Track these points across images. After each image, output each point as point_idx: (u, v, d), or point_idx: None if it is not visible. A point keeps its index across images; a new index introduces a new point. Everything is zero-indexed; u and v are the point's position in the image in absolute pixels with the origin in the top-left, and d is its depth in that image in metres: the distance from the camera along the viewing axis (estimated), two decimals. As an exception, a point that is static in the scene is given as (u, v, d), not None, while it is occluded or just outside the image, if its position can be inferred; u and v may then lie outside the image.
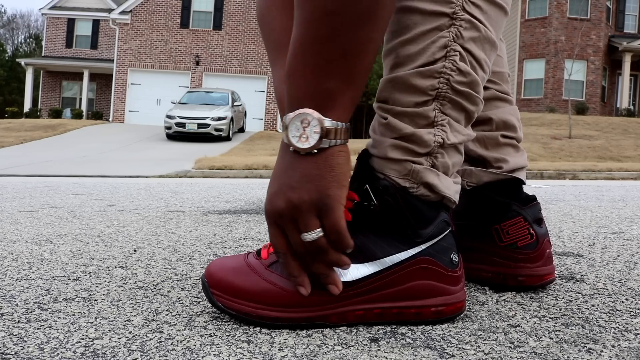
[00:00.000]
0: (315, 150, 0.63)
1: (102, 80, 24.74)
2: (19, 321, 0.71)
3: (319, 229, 0.64)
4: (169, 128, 14.40)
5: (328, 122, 0.62)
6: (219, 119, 14.41)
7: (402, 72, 0.71)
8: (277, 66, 0.84)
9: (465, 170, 0.92)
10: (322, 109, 0.63)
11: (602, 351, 0.63)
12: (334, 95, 0.62)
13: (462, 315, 0.75)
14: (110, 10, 22.48)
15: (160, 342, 0.64)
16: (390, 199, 0.69)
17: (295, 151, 0.64)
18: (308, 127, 0.62)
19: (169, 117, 14.43)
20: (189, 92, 16.76)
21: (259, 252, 0.75)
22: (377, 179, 0.71)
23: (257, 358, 0.59)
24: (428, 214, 0.71)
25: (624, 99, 21.36)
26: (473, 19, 0.69)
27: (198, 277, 0.97)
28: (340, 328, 0.69)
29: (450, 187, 0.73)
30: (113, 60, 21.57)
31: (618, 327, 0.72)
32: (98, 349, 0.61)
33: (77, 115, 22.21)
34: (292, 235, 0.66)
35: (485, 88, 0.93)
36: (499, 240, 0.89)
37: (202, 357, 0.59)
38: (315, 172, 0.63)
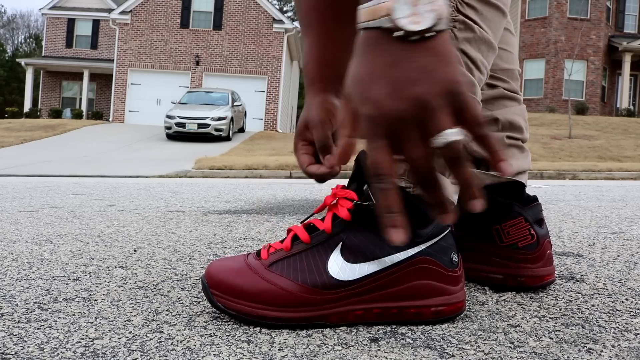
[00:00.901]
0: (432, 33, 0.49)
1: (102, 80, 24.74)
2: (19, 321, 0.71)
3: (459, 128, 0.50)
4: (169, 128, 14.40)
5: None
6: (219, 119, 14.42)
7: None
8: (307, 39, 0.79)
9: (467, 171, 0.92)
10: None
11: (602, 351, 0.63)
12: None
13: (462, 315, 0.75)
14: (110, 10, 22.48)
15: (160, 342, 0.64)
16: None
17: (402, 38, 0.49)
18: (419, 4, 0.48)
19: (169, 117, 14.44)
20: (189, 92, 16.76)
21: (258, 252, 0.75)
22: None
23: (257, 358, 0.59)
24: (427, 213, 0.71)
25: (624, 99, 21.36)
26: (467, 20, 0.70)
27: (198, 277, 0.97)
28: (340, 328, 0.69)
29: (448, 187, 0.73)
30: (113, 60, 21.56)
31: (618, 327, 0.72)
32: (98, 349, 0.61)
33: (77, 115, 22.22)
34: (414, 147, 0.50)
35: (494, 86, 0.92)
36: (500, 240, 0.89)
37: (202, 357, 0.59)
38: (437, 58, 0.49)
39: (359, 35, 0.51)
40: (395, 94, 0.49)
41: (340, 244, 0.71)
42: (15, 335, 0.66)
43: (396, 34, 0.48)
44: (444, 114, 0.49)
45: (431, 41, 0.49)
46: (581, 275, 1.03)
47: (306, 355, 0.60)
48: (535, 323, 0.73)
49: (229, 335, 0.66)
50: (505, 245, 0.88)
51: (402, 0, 0.48)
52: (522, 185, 0.91)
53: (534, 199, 0.91)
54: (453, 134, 0.49)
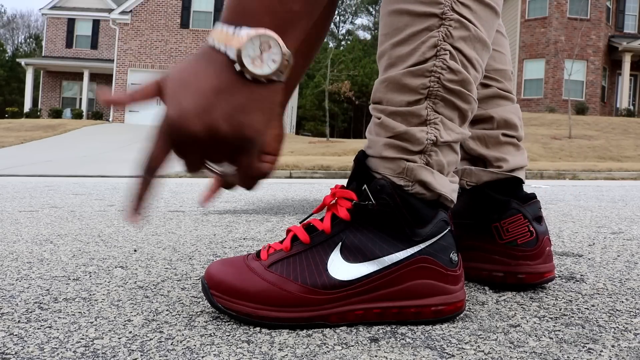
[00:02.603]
0: (263, 81, 0.53)
1: (102, 80, 24.74)
2: (19, 321, 0.71)
3: (226, 165, 0.57)
4: (169, 128, 14.38)
5: (287, 53, 0.53)
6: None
7: (394, 72, 0.71)
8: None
9: (465, 169, 0.92)
10: (280, 32, 0.53)
11: (602, 351, 0.63)
12: (295, 20, 0.54)
13: (462, 315, 0.75)
14: (110, 11, 22.49)
15: (160, 342, 0.64)
16: (387, 198, 0.70)
17: (239, 72, 0.53)
18: (266, 52, 0.52)
19: (169, 117, 14.42)
20: (189, 92, 16.74)
21: (258, 253, 0.75)
22: (374, 179, 0.71)
23: (257, 358, 0.59)
24: (425, 212, 0.72)
25: (623, 99, 21.36)
26: (462, 18, 0.70)
27: (198, 277, 0.97)
28: (340, 328, 0.69)
29: (446, 186, 0.73)
30: (113, 60, 21.57)
31: (618, 327, 0.72)
32: (98, 349, 0.61)
33: (77, 115, 22.22)
34: (191, 159, 0.56)
35: (487, 86, 0.93)
36: (499, 238, 0.89)
37: (202, 357, 0.59)
38: (253, 104, 0.54)
39: (204, 43, 0.55)
40: (200, 114, 0.53)
41: (340, 244, 0.71)
42: (15, 335, 0.66)
43: (236, 66, 0.53)
44: (232, 152, 0.55)
45: (260, 86, 0.54)
46: (581, 275, 1.03)
47: (306, 355, 0.60)
48: (535, 323, 0.73)
49: (229, 335, 0.66)
50: (504, 243, 0.89)
51: (253, 42, 0.52)
52: (520, 181, 0.91)
53: (533, 196, 0.91)
54: (225, 168, 0.57)
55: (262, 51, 0.52)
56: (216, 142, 0.54)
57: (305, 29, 0.56)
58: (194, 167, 0.57)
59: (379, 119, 0.73)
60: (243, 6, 0.53)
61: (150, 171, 0.56)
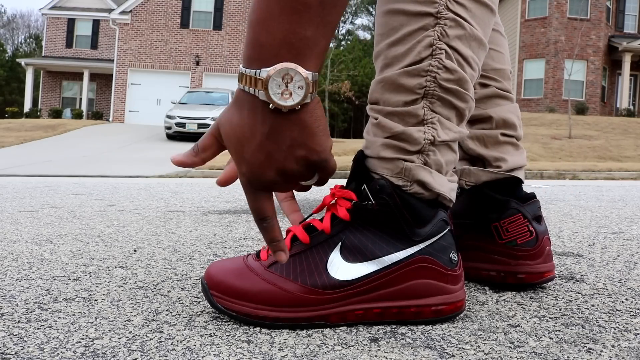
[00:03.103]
0: (299, 107, 0.57)
1: (102, 80, 24.75)
2: (19, 321, 0.71)
3: (314, 177, 0.64)
4: (169, 128, 14.40)
5: (310, 76, 0.57)
6: (219, 119, 14.40)
7: (390, 73, 0.72)
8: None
9: (464, 169, 0.92)
10: (299, 60, 0.56)
11: (602, 351, 0.63)
12: (311, 45, 0.57)
13: (462, 315, 0.75)
14: (110, 11, 22.49)
15: (160, 342, 0.64)
16: (386, 198, 0.70)
17: (276, 110, 0.57)
18: (291, 83, 0.56)
19: (169, 117, 14.44)
20: (189, 92, 16.75)
21: (258, 253, 0.75)
22: (373, 179, 0.71)
23: (257, 358, 0.59)
24: (425, 212, 0.72)
25: (623, 99, 21.36)
26: (458, 17, 0.70)
27: (198, 277, 0.97)
28: (340, 328, 0.69)
29: (445, 185, 0.73)
30: (113, 60, 21.58)
31: (618, 327, 0.72)
32: (98, 349, 0.61)
33: (77, 115, 22.22)
34: (282, 190, 0.64)
35: (486, 85, 0.93)
36: (499, 237, 0.89)
37: (202, 357, 0.59)
38: (304, 131, 0.59)
39: (238, 86, 0.60)
40: (268, 164, 0.59)
41: (340, 244, 0.71)
42: (15, 335, 0.66)
43: (271, 106, 0.57)
44: (307, 172, 0.62)
45: (299, 113, 0.58)
46: (581, 275, 1.03)
47: (306, 355, 0.60)
48: (535, 323, 0.73)
49: (229, 335, 0.66)
50: (504, 242, 0.89)
51: (275, 79, 0.56)
52: (519, 181, 0.91)
53: (532, 195, 0.91)
54: (310, 182, 0.64)
55: (286, 84, 0.56)
56: (294, 175, 0.61)
57: (324, 47, 0.58)
58: (288, 189, 0.64)
59: (376, 119, 0.73)
60: (260, 44, 0.56)
61: (264, 219, 0.64)
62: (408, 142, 0.71)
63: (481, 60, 0.75)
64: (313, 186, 0.66)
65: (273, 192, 0.65)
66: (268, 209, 0.63)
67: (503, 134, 0.92)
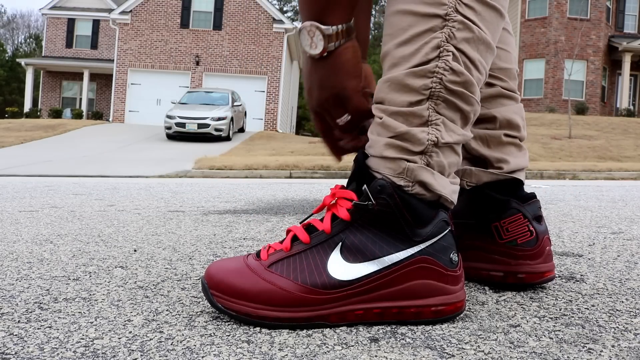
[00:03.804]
0: (326, 54, 0.74)
1: (102, 80, 24.75)
2: (19, 321, 0.71)
3: (345, 115, 0.79)
4: (169, 128, 14.39)
5: (326, 29, 0.73)
6: (219, 119, 14.40)
7: (397, 73, 0.72)
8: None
9: (466, 170, 0.92)
10: (321, 18, 0.73)
11: (602, 351, 0.63)
12: (329, 4, 0.73)
13: (462, 315, 0.75)
14: (110, 10, 22.48)
15: (160, 342, 0.64)
16: (387, 198, 0.70)
17: (311, 57, 0.76)
18: (314, 36, 0.73)
19: (169, 117, 14.43)
20: (189, 92, 16.75)
21: (258, 253, 0.75)
22: (374, 179, 0.71)
23: (257, 358, 0.59)
24: (426, 213, 0.71)
25: (623, 99, 21.36)
26: (466, 20, 0.70)
27: (198, 277, 0.97)
28: (340, 328, 0.69)
29: (447, 187, 0.73)
30: (113, 60, 21.57)
31: (618, 327, 0.72)
32: (98, 349, 0.61)
33: (77, 115, 22.21)
34: (328, 120, 0.81)
35: (491, 85, 0.92)
36: (499, 237, 0.89)
37: (202, 357, 0.59)
38: (329, 72, 0.76)
39: None
40: (310, 93, 0.80)
41: (340, 244, 0.71)
42: (15, 335, 0.66)
43: (307, 55, 0.77)
44: (337, 109, 0.79)
45: (327, 59, 0.75)
46: (581, 275, 1.03)
47: (306, 355, 0.60)
48: (535, 323, 0.73)
49: (229, 335, 0.66)
50: (504, 242, 0.88)
51: (302, 35, 0.75)
52: (520, 183, 0.91)
53: (532, 195, 0.91)
54: (343, 119, 0.79)
55: (312, 37, 0.74)
56: (327, 102, 0.78)
57: (347, 2, 0.73)
58: (332, 123, 0.81)
59: (381, 118, 0.73)
60: (300, 12, 0.76)
61: (322, 132, 0.84)
62: (411, 142, 0.71)
63: (489, 64, 0.75)
64: (353, 138, 0.82)
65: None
66: (318, 126, 0.84)
67: (506, 135, 0.92)
